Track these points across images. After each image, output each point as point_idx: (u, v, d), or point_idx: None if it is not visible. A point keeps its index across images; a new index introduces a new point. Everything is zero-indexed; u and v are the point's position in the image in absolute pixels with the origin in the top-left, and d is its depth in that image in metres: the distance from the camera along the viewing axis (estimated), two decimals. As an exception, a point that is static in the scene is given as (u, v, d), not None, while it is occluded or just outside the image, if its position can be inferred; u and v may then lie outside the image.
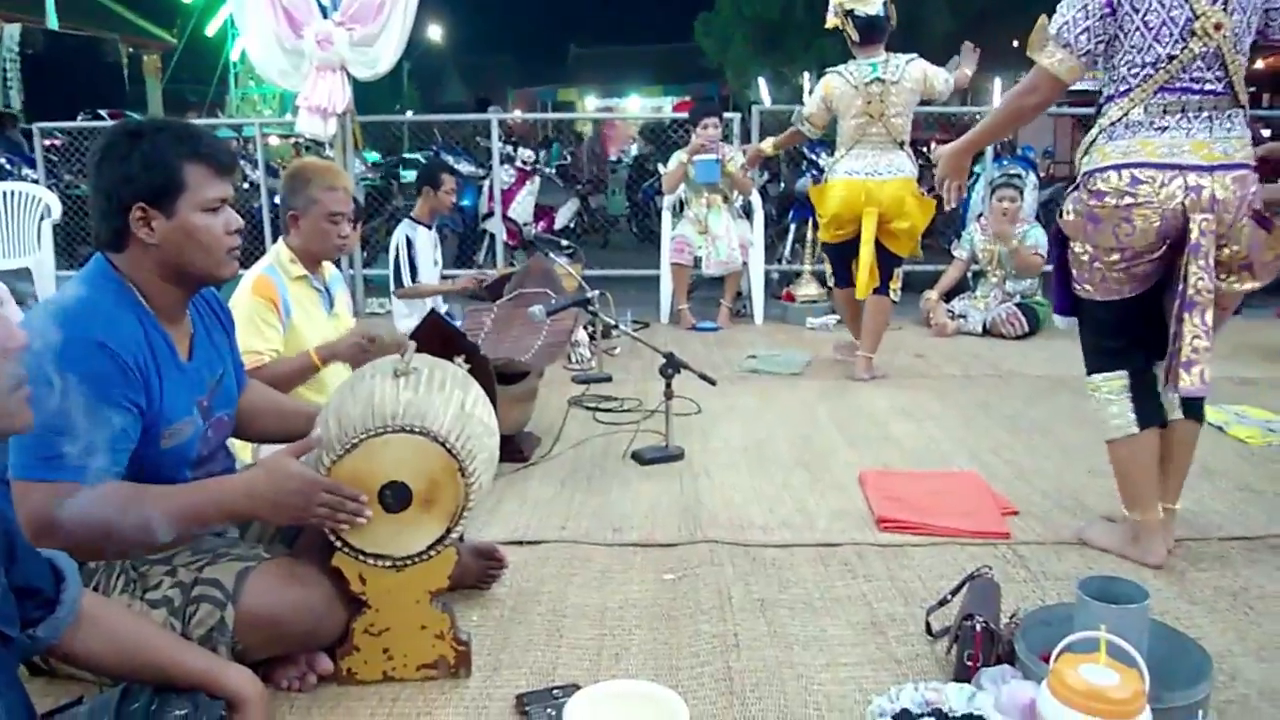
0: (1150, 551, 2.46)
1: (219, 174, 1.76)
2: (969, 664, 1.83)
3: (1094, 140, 2.41)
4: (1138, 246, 2.36)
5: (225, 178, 1.78)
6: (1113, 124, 2.37)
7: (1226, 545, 2.57)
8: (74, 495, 1.58)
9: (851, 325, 4.85)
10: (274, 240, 6.59)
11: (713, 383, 3.40)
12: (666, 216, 6.24)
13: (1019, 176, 6.01)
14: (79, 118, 9.10)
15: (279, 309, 2.77)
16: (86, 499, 1.59)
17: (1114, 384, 2.48)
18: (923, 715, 1.64)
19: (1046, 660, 1.56)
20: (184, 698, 1.25)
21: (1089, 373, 2.55)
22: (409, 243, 5.04)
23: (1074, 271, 2.50)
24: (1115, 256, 2.39)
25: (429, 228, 5.20)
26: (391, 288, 5.11)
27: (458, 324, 3.97)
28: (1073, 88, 2.53)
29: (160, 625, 1.70)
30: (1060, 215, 2.50)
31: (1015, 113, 2.61)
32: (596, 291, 3.86)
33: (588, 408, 3.98)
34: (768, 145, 5.05)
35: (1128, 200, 2.31)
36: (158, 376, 1.72)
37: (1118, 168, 2.33)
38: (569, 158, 11.18)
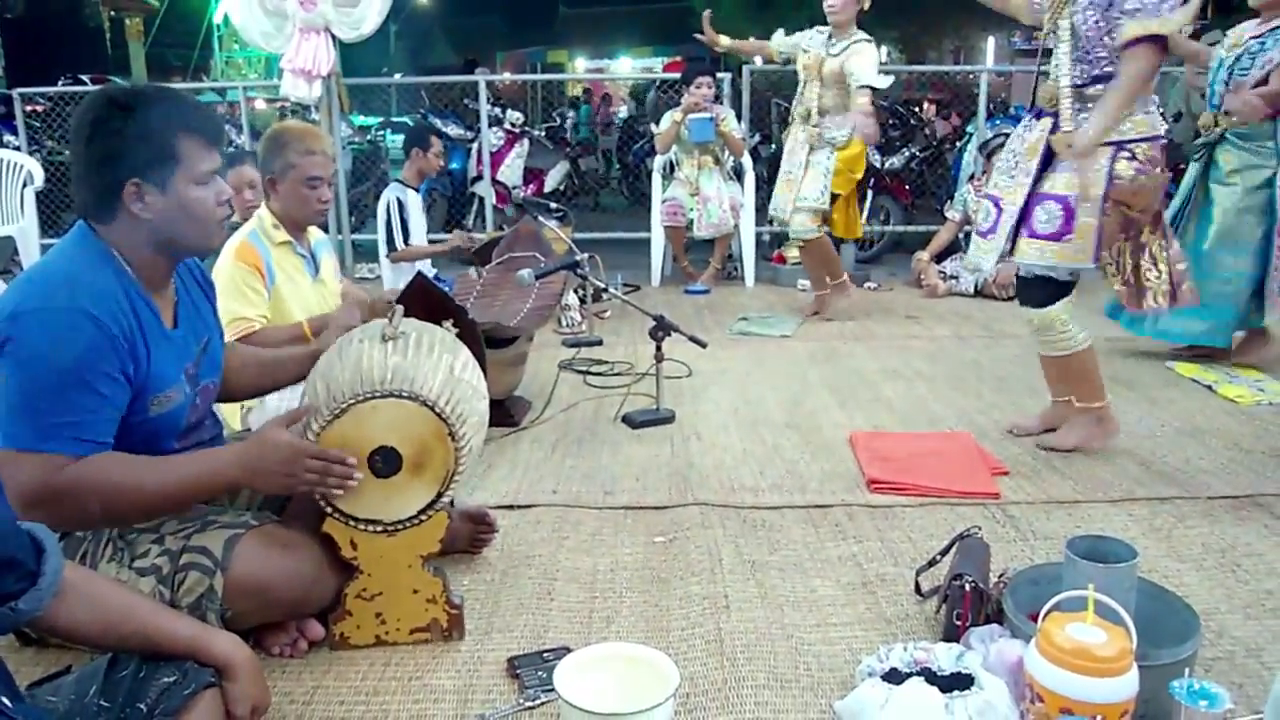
0: (1112, 421, 2.99)
1: (209, 145, 1.74)
2: (958, 623, 1.84)
3: (1131, 110, 2.64)
4: (1155, 207, 2.81)
5: (215, 148, 1.76)
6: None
7: (1215, 504, 2.58)
8: (65, 467, 1.58)
9: (835, 270, 5.05)
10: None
11: (703, 345, 3.39)
12: (657, 178, 6.19)
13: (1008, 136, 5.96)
14: (59, 82, 8.96)
15: (263, 274, 2.75)
16: (79, 471, 1.59)
17: (1068, 309, 2.86)
18: (911, 674, 1.64)
19: (1035, 619, 1.57)
20: (171, 665, 1.25)
21: (1047, 305, 2.85)
22: (400, 205, 5.02)
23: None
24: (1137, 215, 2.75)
25: (417, 190, 5.20)
26: (384, 252, 5.09)
27: (447, 288, 3.95)
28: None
29: (148, 594, 1.70)
30: (1113, 180, 2.66)
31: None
32: (586, 254, 3.83)
33: (578, 371, 3.97)
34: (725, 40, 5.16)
35: (1159, 168, 2.70)
36: (144, 345, 1.71)
37: (1151, 139, 2.66)
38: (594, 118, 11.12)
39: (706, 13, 5.17)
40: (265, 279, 2.75)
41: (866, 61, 4.50)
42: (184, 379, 1.81)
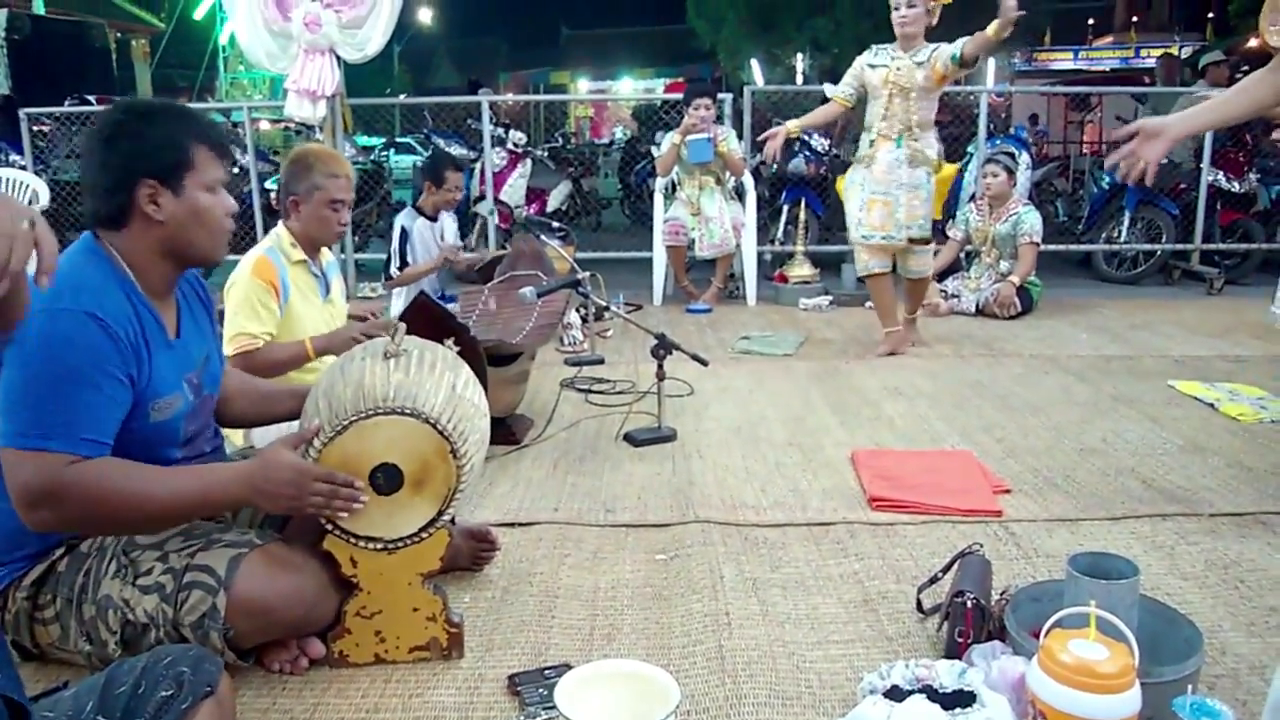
0: None
1: (220, 156, 1.82)
2: (960, 640, 1.84)
3: None
4: None
5: (224, 160, 1.83)
6: None
7: (1218, 521, 2.58)
8: (68, 467, 1.60)
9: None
10: (264, 225, 6.58)
11: (705, 364, 3.39)
12: (659, 198, 6.22)
13: (1010, 155, 5.99)
14: (66, 103, 9.02)
15: (278, 292, 2.79)
16: (83, 472, 1.61)
17: None
18: (913, 692, 1.63)
19: (1037, 636, 1.57)
20: (169, 679, 1.25)
21: None
22: (404, 233, 5.00)
23: None
24: None
25: (432, 219, 5.10)
26: (383, 278, 5.13)
27: (453, 306, 3.96)
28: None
29: (151, 611, 1.72)
30: None
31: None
32: (588, 273, 3.85)
33: (580, 390, 3.97)
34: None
35: None
36: (147, 350, 1.73)
37: None
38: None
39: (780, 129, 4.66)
40: (280, 296, 2.79)
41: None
42: (186, 387, 1.83)
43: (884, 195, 4.39)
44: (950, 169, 4.43)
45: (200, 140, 1.77)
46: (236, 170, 7.61)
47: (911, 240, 4.43)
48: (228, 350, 2.68)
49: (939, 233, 6.65)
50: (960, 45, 4.10)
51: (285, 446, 1.73)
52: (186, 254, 1.81)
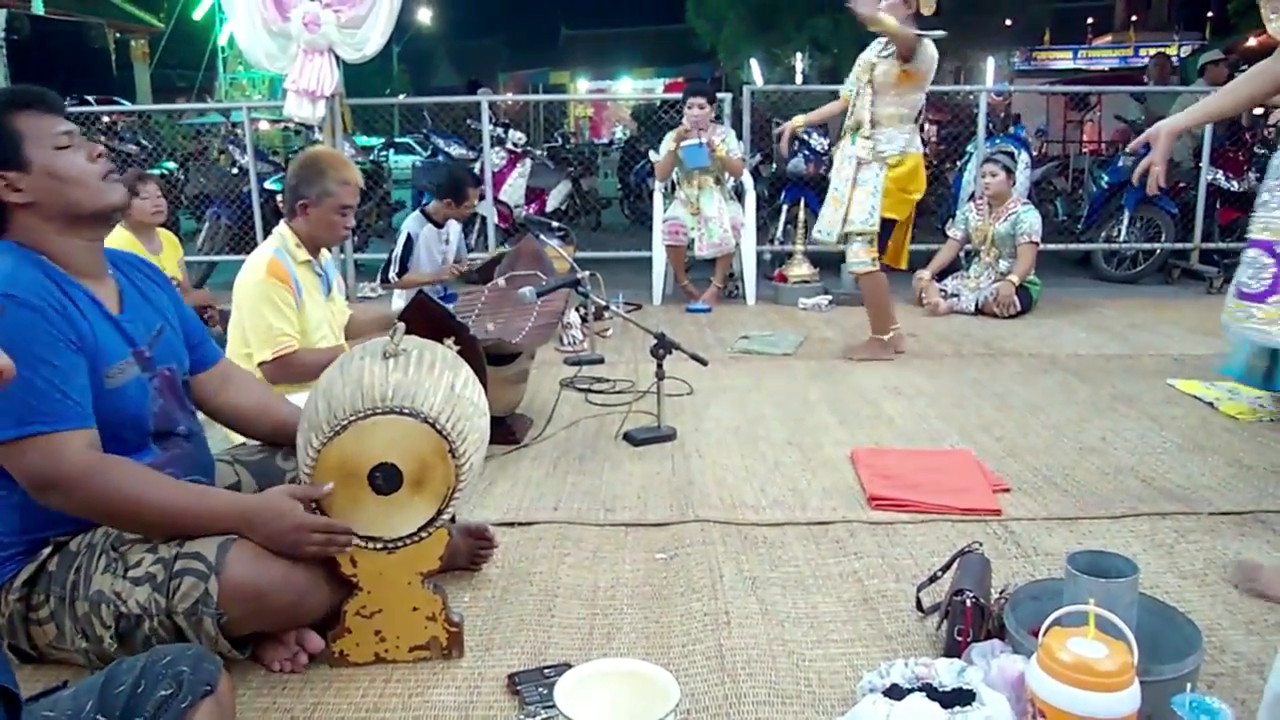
0: None
1: (49, 113, 1.77)
2: (959, 639, 1.84)
3: None
4: None
5: (57, 115, 1.78)
6: None
7: (1217, 519, 2.58)
8: (67, 452, 1.65)
9: (881, 319, 4.58)
10: (264, 224, 6.58)
11: (704, 363, 3.39)
12: (658, 198, 6.22)
13: (1009, 155, 5.99)
14: (65, 104, 9.02)
15: (293, 290, 2.83)
16: (91, 466, 1.66)
17: None
18: (912, 690, 1.64)
19: (1036, 634, 1.57)
20: (168, 678, 1.25)
21: None
22: (410, 240, 5.04)
23: None
24: None
25: (439, 225, 5.21)
26: (379, 279, 5.15)
27: (455, 304, 3.97)
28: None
29: (144, 602, 1.73)
30: None
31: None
32: (587, 273, 3.85)
33: (580, 389, 3.97)
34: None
35: None
36: (83, 316, 1.74)
37: None
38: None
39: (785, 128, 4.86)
40: (295, 294, 2.82)
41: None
42: (133, 358, 1.84)
43: (835, 191, 4.38)
44: (914, 160, 4.18)
45: (16, 110, 1.72)
46: (236, 170, 7.61)
47: (848, 234, 4.32)
48: (265, 353, 2.75)
49: (938, 231, 6.67)
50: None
51: (287, 496, 1.78)
52: (78, 215, 1.78)
